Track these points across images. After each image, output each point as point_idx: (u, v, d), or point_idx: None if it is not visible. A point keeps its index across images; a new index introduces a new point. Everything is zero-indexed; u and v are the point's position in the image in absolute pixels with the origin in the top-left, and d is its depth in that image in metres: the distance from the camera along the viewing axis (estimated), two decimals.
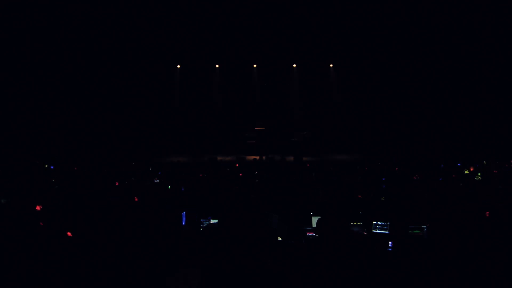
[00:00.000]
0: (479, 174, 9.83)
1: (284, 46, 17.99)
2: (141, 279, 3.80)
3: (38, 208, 5.60)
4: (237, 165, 13.50)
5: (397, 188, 8.18)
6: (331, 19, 16.65)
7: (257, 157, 14.58)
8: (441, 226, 5.20)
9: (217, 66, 19.34)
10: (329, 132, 18.81)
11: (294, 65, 19.30)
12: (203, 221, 5.76)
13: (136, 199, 6.88)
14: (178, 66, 19.29)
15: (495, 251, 4.19)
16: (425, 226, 5.29)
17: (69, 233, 4.40)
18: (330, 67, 19.26)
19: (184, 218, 6.01)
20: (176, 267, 3.99)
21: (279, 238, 5.31)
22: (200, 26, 17.08)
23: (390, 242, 5.23)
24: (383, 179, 9.59)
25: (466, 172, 10.19)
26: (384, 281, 3.91)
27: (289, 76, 19.45)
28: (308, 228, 5.68)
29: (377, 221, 5.55)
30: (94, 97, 17.06)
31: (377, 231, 5.52)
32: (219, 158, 15.02)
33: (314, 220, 5.58)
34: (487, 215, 5.67)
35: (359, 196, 7.40)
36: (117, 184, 8.85)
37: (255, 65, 19.31)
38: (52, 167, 12.58)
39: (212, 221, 5.69)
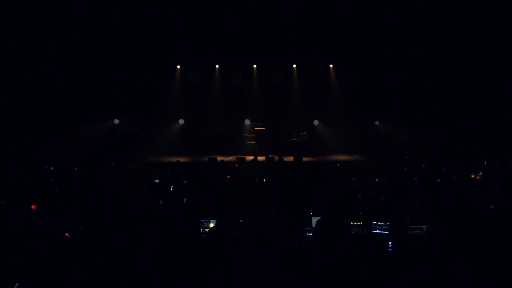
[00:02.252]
0: (480, 173, 9.84)
1: (284, 46, 17.97)
2: (141, 278, 3.79)
3: (33, 207, 5.60)
4: (236, 165, 13.50)
5: (397, 189, 8.19)
6: (331, 19, 16.62)
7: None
8: (441, 226, 5.20)
9: (217, 66, 19.33)
10: (329, 133, 18.79)
11: (294, 65, 19.29)
12: (203, 221, 5.76)
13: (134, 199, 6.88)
14: (178, 67, 19.29)
15: (495, 251, 4.19)
16: (425, 226, 5.29)
17: (67, 234, 4.40)
18: (330, 67, 19.25)
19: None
20: (175, 267, 3.99)
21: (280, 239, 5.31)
22: (200, 26, 17.06)
23: (390, 242, 5.23)
24: (377, 180, 9.61)
25: (473, 176, 10.18)
26: (384, 281, 3.90)
27: (289, 76, 19.43)
28: (308, 228, 5.68)
29: (377, 222, 5.55)
30: (94, 98, 17.02)
31: (377, 231, 5.51)
32: (219, 158, 15.01)
33: (314, 220, 5.58)
34: (491, 208, 5.69)
35: (359, 196, 7.40)
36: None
37: (255, 66, 19.30)
38: (52, 168, 12.59)
39: (212, 221, 5.69)
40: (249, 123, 18.78)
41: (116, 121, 18.58)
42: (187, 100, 19.01)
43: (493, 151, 14.26)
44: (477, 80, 16.13)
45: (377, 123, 19.04)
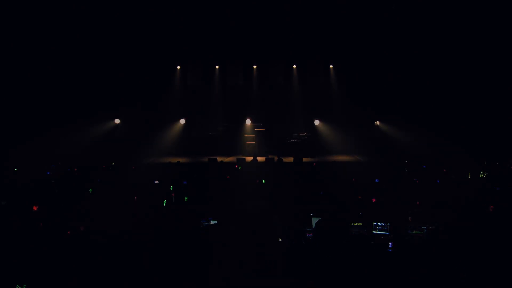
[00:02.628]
0: (483, 172, 9.87)
1: (284, 46, 17.97)
2: (141, 278, 3.79)
3: (34, 208, 5.62)
4: (236, 166, 13.49)
5: (397, 190, 8.19)
6: (331, 19, 16.62)
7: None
8: (441, 226, 5.20)
9: (217, 66, 19.32)
10: (329, 133, 18.78)
11: (294, 66, 19.28)
12: (203, 221, 5.76)
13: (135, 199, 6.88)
14: (178, 67, 19.28)
15: (495, 251, 4.19)
16: (425, 227, 5.29)
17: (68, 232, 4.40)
18: (330, 67, 19.25)
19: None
20: (175, 267, 3.99)
21: (279, 239, 5.30)
22: (200, 26, 17.06)
23: (390, 243, 5.23)
24: (377, 180, 9.62)
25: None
26: (384, 281, 3.90)
27: (289, 76, 19.43)
28: (308, 229, 5.68)
29: (377, 222, 5.55)
30: (94, 98, 17.01)
31: (377, 232, 5.51)
32: (219, 159, 15.00)
33: (314, 221, 5.58)
34: (491, 209, 5.69)
35: (359, 197, 7.40)
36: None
37: (255, 66, 19.30)
38: (53, 166, 12.61)
39: (212, 222, 5.69)
40: (249, 124, 18.78)
41: (117, 121, 18.58)
42: (187, 100, 19.00)
43: (493, 151, 14.25)
44: (477, 80, 16.12)
45: (377, 123, 19.03)
